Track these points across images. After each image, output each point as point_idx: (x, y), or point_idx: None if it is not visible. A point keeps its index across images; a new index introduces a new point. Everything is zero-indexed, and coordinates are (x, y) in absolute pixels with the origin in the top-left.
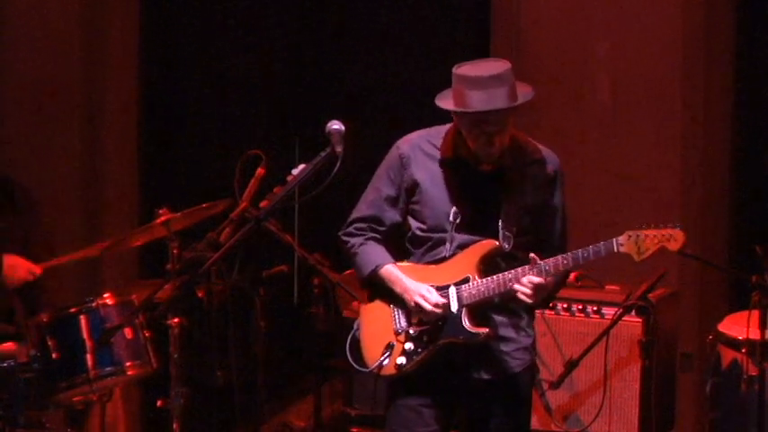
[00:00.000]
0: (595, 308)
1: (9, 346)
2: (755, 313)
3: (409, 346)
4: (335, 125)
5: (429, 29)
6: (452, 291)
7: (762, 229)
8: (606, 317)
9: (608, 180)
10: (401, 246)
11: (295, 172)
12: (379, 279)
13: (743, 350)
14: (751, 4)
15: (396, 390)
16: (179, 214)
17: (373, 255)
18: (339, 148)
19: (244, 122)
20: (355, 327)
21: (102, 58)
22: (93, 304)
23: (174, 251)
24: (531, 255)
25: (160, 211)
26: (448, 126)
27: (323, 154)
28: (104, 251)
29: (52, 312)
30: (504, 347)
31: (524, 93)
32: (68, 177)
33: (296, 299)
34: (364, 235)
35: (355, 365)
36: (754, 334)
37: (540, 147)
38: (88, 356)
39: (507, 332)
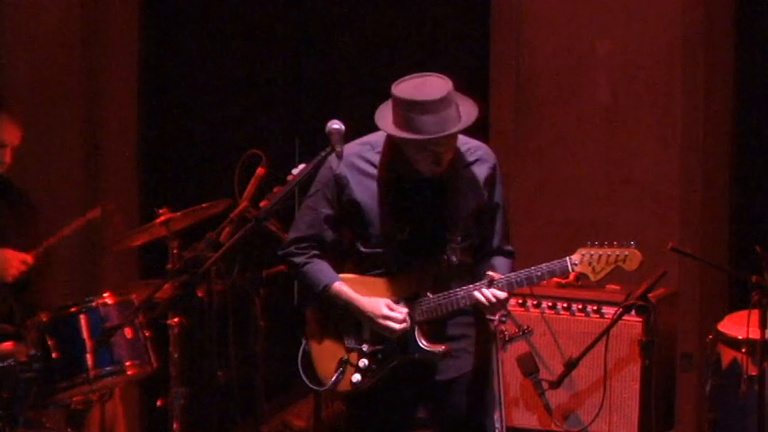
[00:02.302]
0: (595, 307)
1: (9, 345)
2: (755, 313)
3: (364, 363)
4: (335, 125)
5: (429, 29)
6: (403, 306)
7: (762, 229)
8: (606, 316)
9: (608, 180)
10: (342, 256)
11: (295, 172)
12: (328, 298)
13: (743, 350)
14: (751, 4)
15: (353, 400)
16: (179, 214)
17: (320, 273)
18: (339, 148)
19: (244, 122)
20: (303, 342)
21: (102, 58)
22: (93, 304)
23: (174, 251)
24: (489, 273)
25: (160, 211)
26: (376, 137)
27: (323, 153)
28: (90, 221)
29: (52, 312)
30: (457, 345)
31: (468, 110)
32: (68, 177)
33: (296, 299)
34: (306, 253)
35: (309, 383)
36: (755, 333)
37: (474, 144)
38: (88, 356)
39: (458, 330)
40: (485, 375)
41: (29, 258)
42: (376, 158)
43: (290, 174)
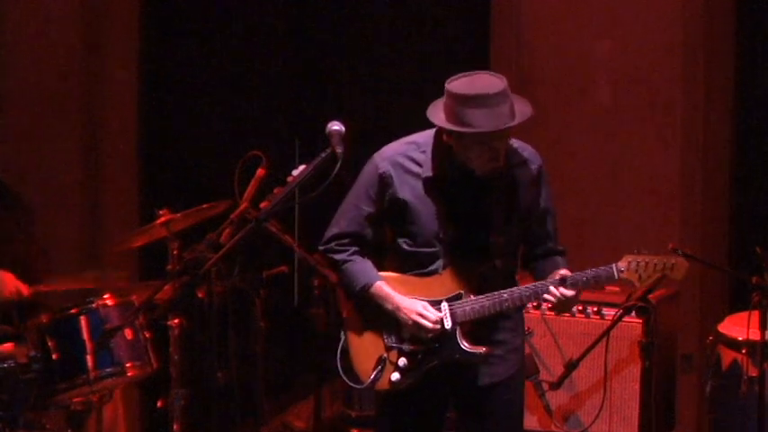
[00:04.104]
0: (595, 308)
1: (9, 346)
2: (756, 314)
3: (403, 362)
4: (336, 126)
5: (429, 29)
6: (445, 307)
7: (762, 230)
8: (606, 318)
9: (608, 180)
10: (383, 252)
11: (295, 173)
12: (368, 297)
13: (743, 351)
14: (751, 4)
15: (386, 398)
16: (179, 215)
17: (361, 273)
18: (339, 149)
19: (244, 123)
20: (342, 337)
21: (102, 58)
22: (94, 305)
23: (175, 252)
24: (562, 271)
25: (160, 212)
26: (423, 137)
27: (323, 155)
28: (99, 281)
29: (52, 313)
30: (497, 351)
31: (522, 107)
32: (68, 178)
33: (296, 300)
34: (347, 250)
35: (346, 380)
36: (755, 335)
37: (519, 145)
38: (88, 357)
39: (498, 335)
40: (522, 380)
41: (24, 289)
42: (422, 158)
43: (291, 175)
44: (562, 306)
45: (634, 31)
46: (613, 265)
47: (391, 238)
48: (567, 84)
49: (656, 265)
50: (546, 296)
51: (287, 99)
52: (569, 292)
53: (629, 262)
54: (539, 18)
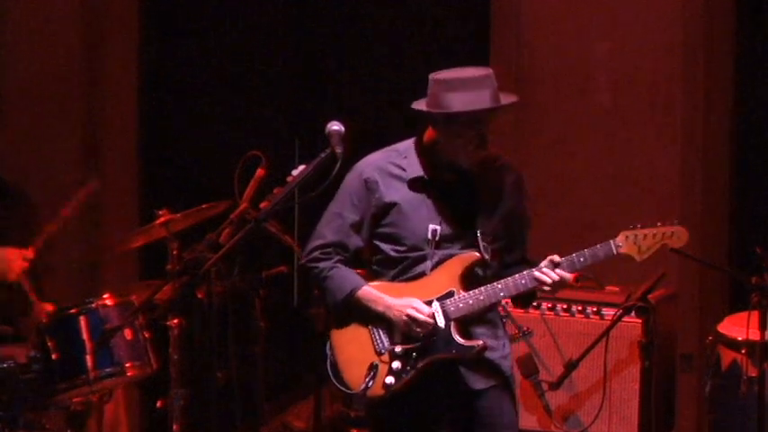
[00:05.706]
0: (595, 309)
1: (8, 347)
2: (755, 314)
3: (396, 365)
4: (335, 126)
5: (429, 29)
6: (436, 305)
7: (762, 229)
8: (606, 318)
9: (608, 180)
10: (364, 265)
11: (295, 173)
12: (355, 301)
13: (743, 351)
14: (751, 3)
15: (380, 405)
16: (179, 215)
17: (347, 278)
18: (339, 149)
19: (244, 123)
20: (328, 351)
21: (102, 58)
22: (93, 305)
23: (174, 252)
24: (554, 257)
25: (160, 212)
26: (403, 145)
27: (323, 155)
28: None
29: (52, 313)
30: (488, 356)
31: (507, 96)
32: (68, 178)
33: (296, 300)
34: (331, 258)
35: (342, 388)
36: (754, 335)
37: (497, 153)
38: (88, 357)
39: (488, 342)
40: (512, 386)
41: (29, 253)
42: (405, 162)
43: (290, 175)
44: (555, 288)
45: (634, 31)
46: (611, 241)
47: (374, 250)
48: (567, 84)
49: (655, 235)
50: (542, 278)
51: (287, 99)
52: (566, 274)
53: (627, 236)
54: (539, 18)
